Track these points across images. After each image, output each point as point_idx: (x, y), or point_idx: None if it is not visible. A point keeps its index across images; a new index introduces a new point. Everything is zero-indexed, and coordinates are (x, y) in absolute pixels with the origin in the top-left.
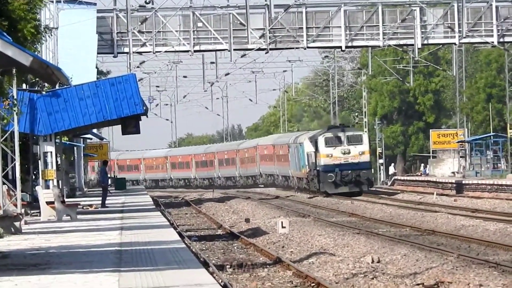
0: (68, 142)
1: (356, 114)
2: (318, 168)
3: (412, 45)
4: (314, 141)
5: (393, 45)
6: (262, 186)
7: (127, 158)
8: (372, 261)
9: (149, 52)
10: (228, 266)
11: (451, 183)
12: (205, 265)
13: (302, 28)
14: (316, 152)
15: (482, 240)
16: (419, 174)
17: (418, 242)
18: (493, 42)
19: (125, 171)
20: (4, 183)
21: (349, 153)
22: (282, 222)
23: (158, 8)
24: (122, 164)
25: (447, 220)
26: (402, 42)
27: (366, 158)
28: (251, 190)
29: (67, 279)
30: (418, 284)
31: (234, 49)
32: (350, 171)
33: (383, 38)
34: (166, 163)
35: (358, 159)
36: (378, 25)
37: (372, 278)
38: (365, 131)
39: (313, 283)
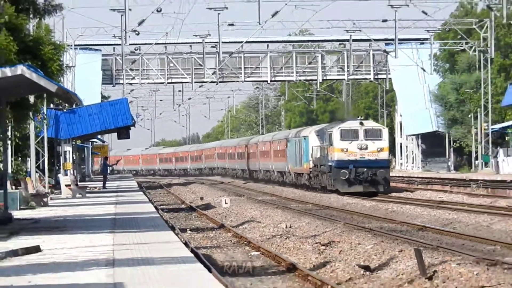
0: (80, 144)
1: (277, 127)
2: (330, 164)
3: (315, 80)
4: (325, 134)
5: (303, 79)
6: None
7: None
8: (286, 227)
9: (137, 83)
10: (188, 229)
11: None
12: (172, 228)
13: (241, 68)
14: (328, 145)
15: (360, 213)
16: None
17: (317, 214)
18: (370, 78)
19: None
20: (37, 172)
21: (366, 148)
22: (225, 200)
23: (143, 53)
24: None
25: (337, 199)
26: (308, 77)
27: (384, 155)
28: (204, 177)
29: (78, 237)
30: (317, 243)
31: (195, 82)
32: (366, 169)
33: (296, 75)
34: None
35: (375, 156)
36: (293, 66)
37: (286, 238)
38: (385, 127)
39: (245, 241)
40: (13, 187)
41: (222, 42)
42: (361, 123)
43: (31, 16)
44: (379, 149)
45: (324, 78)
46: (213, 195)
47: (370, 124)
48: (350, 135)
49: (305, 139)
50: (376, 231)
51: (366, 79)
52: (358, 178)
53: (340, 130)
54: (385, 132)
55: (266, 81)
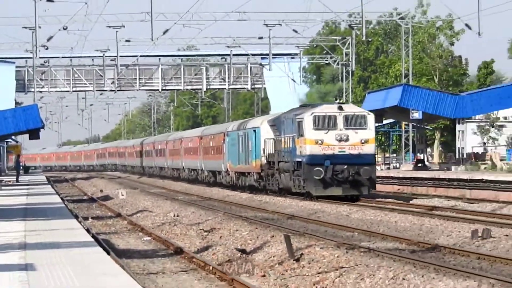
0: None
1: (167, 129)
2: (298, 159)
3: (200, 88)
4: (283, 124)
5: (189, 88)
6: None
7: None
8: (174, 216)
9: (46, 91)
10: (89, 218)
11: None
12: (76, 217)
13: (136, 78)
14: (297, 136)
15: (238, 204)
16: None
17: (201, 205)
18: (248, 87)
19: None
20: None
21: (346, 140)
22: (121, 192)
23: (52, 65)
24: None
25: (218, 192)
26: (194, 87)
27: (369, 149)
28: (104, 173)
29: None
30: (200, 229)
31: (96, 90)
32: (346, 166)
33: (184, 84)
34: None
35: (358, 149)
36: (181, 77)
37: (174, 226)
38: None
39: (139, 227)
40: None
41: (120, 56)
42: (340, 108)
43: None
44: (363, 141)
45: (208, 87)
46: (111, 188)
47: (351, 108)
48: (326, 123)
49: (254, 131)
50: (251, 220)
51: (244, 88)
52: (336, 178)
53: (314, 116)
54: (371, 119)
55: (158, 89)
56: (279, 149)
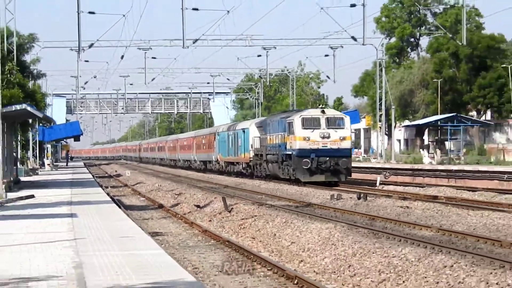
0: (55, 144)
1: (154, 135)
2: (289, 153)
3: (173, 112)
4: (268, 125)
5: (167, 112)
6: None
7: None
8: (158, 185)
9: (83, 113)
10: (109, 187)
11: None
12: (100, 186)
13: (136, 106)
14: (287, 134)
15: (195, 179)
16: None
17: (174, 179)
18: (201, 111)
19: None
20: (33, 157)
21: (328, 137)
22: (127, 172)
23: (87, 98)
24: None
25: (185, 172)
26: (170, 111)
27: (347, 144)
28: (118, 161)
29: (53, 190)
30: (173, 193)
31: (113, 113)
32: (328, 158)
33: (164, 109)
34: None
35: (338, 145)
36: (162, 105)
37: (158, 191)
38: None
39: (138, 192)
40: (21, 165)
41: (127, 93)
42: (323, 111)
43: (30, 78)
44: (341, 138)
45: (178, 111)
46: (121, 170)
47: (331, 112)
48: (312, 123)
49: (244, 131)
50: (203, 188)
51: (199, 112)
52: (320, 167)
53: (302, 118)
54: (347, 120)
55: (149, 112)
56: (264, 144)
